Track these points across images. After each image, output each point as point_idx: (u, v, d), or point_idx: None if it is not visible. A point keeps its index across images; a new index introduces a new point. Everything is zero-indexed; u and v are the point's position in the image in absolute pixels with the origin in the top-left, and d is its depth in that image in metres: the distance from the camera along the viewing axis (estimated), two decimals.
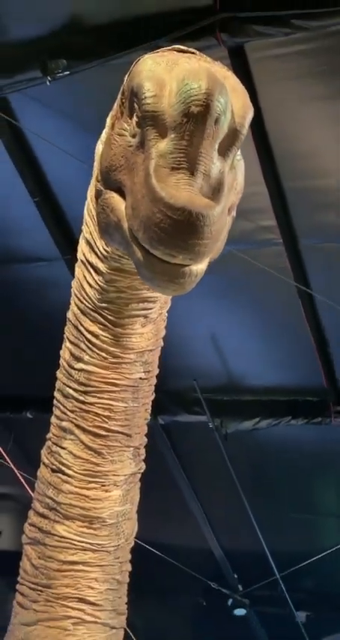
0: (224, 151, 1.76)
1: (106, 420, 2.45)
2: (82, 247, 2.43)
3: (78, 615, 2.46)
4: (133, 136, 1.86)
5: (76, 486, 2.47)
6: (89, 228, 2.36)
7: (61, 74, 5.48)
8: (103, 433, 2.46)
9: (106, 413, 2.44)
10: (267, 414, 8.06)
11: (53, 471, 2.52)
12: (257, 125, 5.65)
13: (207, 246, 1.71)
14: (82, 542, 2.47)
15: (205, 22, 5.11)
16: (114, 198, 1.96)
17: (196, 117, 1.66)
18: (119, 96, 2.02)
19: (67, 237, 6.91)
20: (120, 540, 2.56)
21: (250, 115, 1.82)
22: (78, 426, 2.46)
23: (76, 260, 2.49)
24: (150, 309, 2.41)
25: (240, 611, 10.21)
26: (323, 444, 8.46)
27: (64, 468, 2.49)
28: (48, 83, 5.52)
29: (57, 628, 2.45)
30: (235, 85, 1.84)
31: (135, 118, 1.85)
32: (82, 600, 2.47)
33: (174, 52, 1.89)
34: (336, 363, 7.62)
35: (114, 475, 2.50)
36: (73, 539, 2.47)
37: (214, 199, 1.71)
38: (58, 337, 2.56)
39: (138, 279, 2.21)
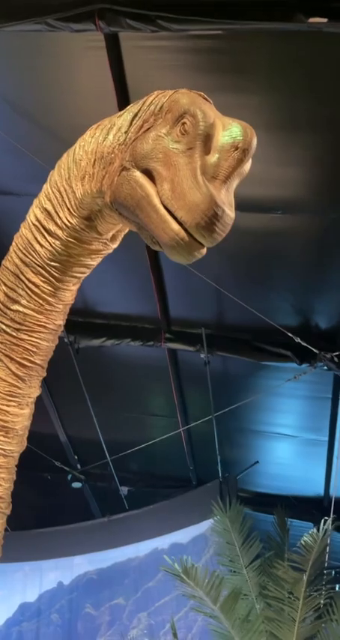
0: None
1: (33, 354, 2.47)
2: (36, 213, 2.36)
3: None
4: (175, 142, 1.93)
5: None
6: (51, 202, 2.31)
7: None
8: (28, 364, 2.47)
9: (33, 349, 2.46)
10: (112, 335, 8.09)
11: None
12: (125, 101, 5.46)
13: (221, 238, 1.86)
14: None
15: (86, 8, 4.80)
16: (142, 177, 1.99)
17: (243, 150, 1.86)
18: (152, 109, 2.06)
19: None
20: (21, 447, 2.62)
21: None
22: (7, 356, 2.45)
23: None
24: (85, 273, 2.45)
25: (76, 484, 10.38)
26: (153, 362, 8.61)
27: None
28: None
29: None
30: None
31: (180, 130, 1.93)
32: None
33: (201, 97, 2.01)
34: (169, 302, 7.77)
35: (29, 397, 2.55)
36: None
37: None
38: None
39: (87, 249, 2.34)
